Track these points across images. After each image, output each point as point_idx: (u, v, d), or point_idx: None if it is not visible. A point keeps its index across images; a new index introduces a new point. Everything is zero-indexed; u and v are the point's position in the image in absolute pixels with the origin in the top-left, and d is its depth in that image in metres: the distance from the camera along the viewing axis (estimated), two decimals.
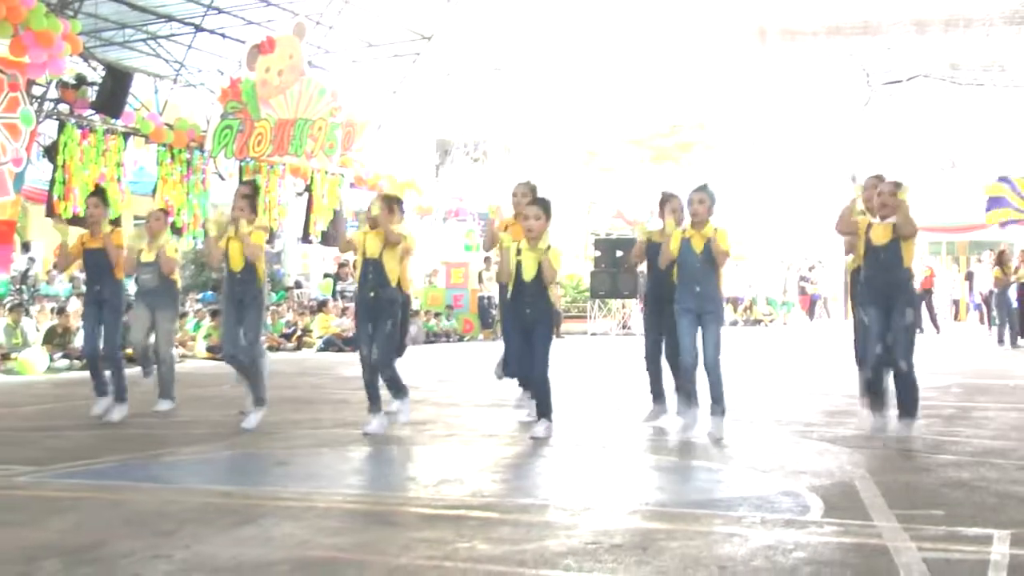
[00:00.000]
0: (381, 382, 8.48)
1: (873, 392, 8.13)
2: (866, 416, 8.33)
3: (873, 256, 7.78)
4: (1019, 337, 20.47)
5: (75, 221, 15.58)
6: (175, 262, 10.04)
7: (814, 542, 4.76)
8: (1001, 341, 20.44)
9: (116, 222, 12.08)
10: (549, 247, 8.00)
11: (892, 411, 8.06)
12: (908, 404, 7.74)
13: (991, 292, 25.34)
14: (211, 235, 9.06)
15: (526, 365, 8.22)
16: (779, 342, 23.50)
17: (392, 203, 8.49)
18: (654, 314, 8.85)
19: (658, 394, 8.97)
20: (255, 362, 8.95)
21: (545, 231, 8.02)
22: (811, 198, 28.37)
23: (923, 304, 25.61)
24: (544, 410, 8.15)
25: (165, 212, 10.86)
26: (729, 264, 8.31)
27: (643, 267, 9.34)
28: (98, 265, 9.40)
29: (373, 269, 8.33)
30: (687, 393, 8.32)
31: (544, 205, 8.11)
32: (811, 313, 34.46)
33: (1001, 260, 21.13)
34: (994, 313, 24.73)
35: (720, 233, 8.03)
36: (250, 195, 9.16)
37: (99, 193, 10.00)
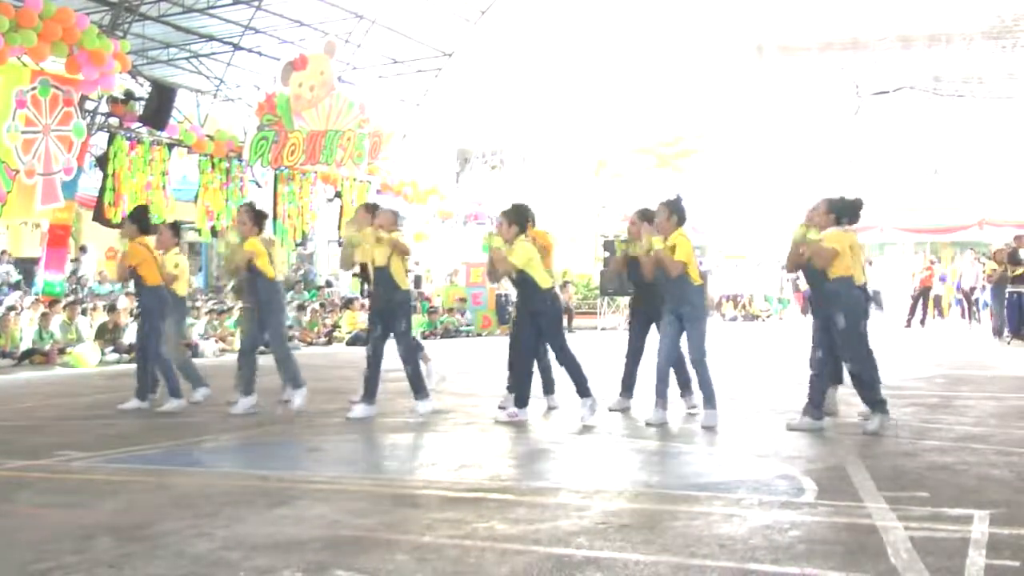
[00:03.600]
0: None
1: (813, 394, 7.72)
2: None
3: (807, 269, 7.77)
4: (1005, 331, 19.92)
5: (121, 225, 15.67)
6: (173, 277, 9.81)
7: (808, 522, 4.75)
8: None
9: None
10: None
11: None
12: (866, 399, 7.52)
13: (971, 288, 25.16)
14: (233, 241, 9.27)
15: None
16: (775, 336, 23.38)
17: (370, 210, 8.92)
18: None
19: (684, 385, 8.78)
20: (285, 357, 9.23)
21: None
22: (805, 201, 28.22)
23: (920, 300, 25.39)
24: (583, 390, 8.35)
25: (173, 227, 10.36)
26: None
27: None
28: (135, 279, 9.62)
29: (382, 277, 8.57)
30: (660, 393, 8.06)
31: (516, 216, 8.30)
32: (805, 309, 34.25)
33: (997, 259, 20.60)
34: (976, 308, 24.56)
35: (668, 247, 7.92)
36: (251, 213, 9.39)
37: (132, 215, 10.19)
